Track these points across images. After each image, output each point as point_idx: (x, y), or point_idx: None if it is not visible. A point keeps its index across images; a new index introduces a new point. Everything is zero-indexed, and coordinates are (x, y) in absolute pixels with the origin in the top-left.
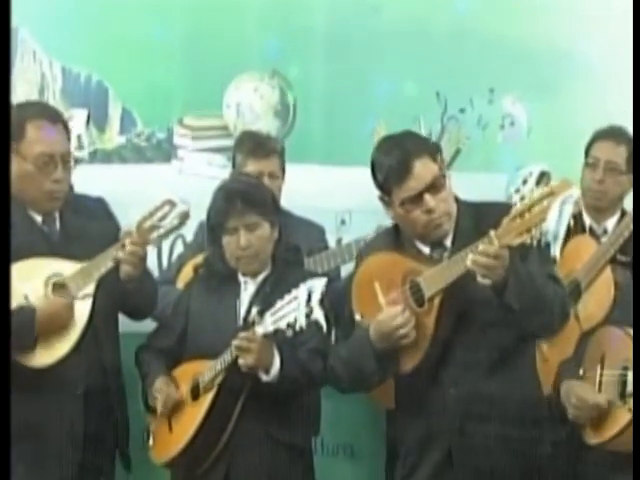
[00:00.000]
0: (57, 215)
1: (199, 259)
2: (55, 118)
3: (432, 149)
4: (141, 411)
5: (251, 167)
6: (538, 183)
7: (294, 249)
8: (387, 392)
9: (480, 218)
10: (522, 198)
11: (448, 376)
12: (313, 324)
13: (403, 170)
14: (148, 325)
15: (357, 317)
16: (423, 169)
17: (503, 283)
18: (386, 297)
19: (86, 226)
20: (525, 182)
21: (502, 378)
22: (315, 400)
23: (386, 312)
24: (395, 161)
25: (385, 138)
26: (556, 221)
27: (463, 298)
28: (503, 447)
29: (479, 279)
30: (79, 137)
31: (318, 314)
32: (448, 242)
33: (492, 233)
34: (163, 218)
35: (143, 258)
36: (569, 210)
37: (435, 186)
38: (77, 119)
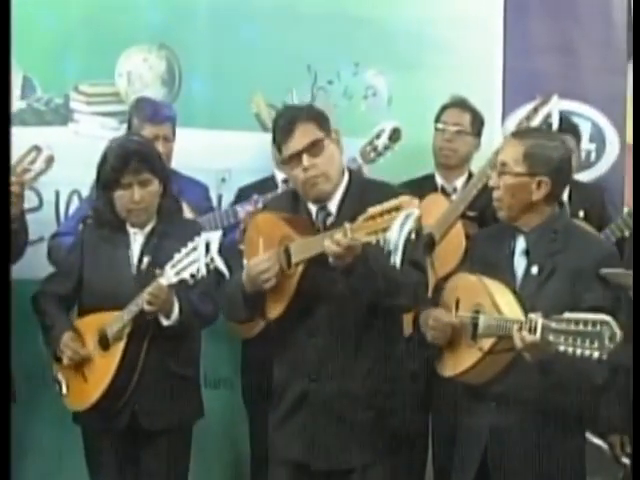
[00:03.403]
0: None
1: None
2: None
3: (322, 119)
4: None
5: (147, 131)
6: (390, 138)
7: (175, 201)
8: (245, 325)
9: (366, 193)
10: (375, 149)
11: (309, 327)
12: (213, 272)
13: (287, 131)
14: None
15: (244, 262)
16: (304, 132)
17: (350, 270)
18: (265, 251)
19: None
20: (378, 136)
21: (363, 328)
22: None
23: (254, 259)
24: (282, 123)
25: (286, 106)
26: (397, 232)
27: (321, 271)
28: (357, 391)
29: (330, 261)
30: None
31: (218, 262)
32: (333, 208)
33: (347, 226)
34: (32, 162)
35: (21, 196)
36: (409, 225)
37: (313, 149)
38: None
